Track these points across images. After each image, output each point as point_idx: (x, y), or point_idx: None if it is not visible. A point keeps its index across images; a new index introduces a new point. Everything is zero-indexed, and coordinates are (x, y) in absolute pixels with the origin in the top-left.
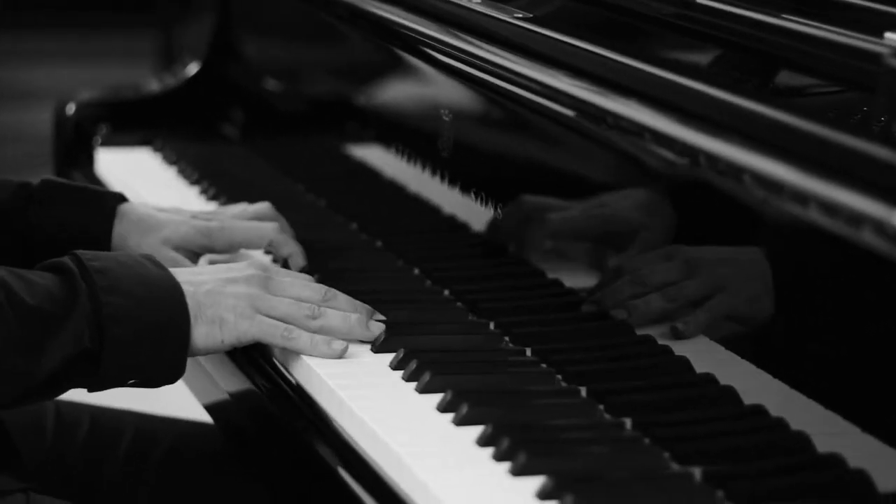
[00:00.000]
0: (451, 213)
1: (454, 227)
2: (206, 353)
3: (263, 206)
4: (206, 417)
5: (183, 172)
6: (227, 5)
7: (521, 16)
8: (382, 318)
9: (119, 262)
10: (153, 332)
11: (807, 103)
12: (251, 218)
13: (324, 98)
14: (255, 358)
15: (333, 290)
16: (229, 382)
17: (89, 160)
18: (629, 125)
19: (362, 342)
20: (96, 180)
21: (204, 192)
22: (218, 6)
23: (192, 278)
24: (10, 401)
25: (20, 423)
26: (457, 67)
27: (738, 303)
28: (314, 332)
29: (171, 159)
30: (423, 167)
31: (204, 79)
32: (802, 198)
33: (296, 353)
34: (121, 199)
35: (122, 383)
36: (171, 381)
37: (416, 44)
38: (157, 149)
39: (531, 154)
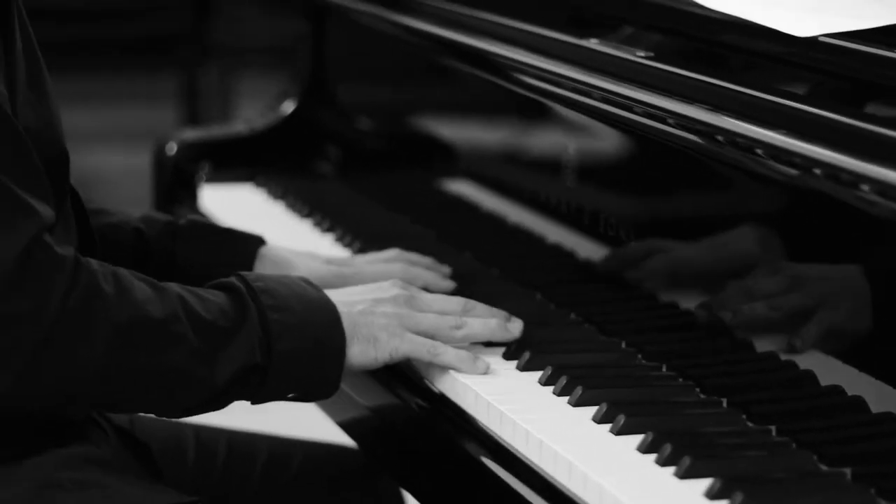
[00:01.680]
0: (556, 241)
1: (561, 254)
2: (360, 369)
3: (392, 253)
4: (338, 437)
5: (292, 206)
6: (320, 45)
7: (643, 54)
8: (519, 322)
9: (281, 282)
10: (314, 348)
11: None
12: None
13: (416, 134)
14: (399, 372)
15: (472, 301)
16: (369, 397)
17: (191, 198)
18: (744, 142)
19: (510, 360)
20: (201, 216)
21: (317, 224)
22: (311, 46)
23: (346, 299)
24: (195, 406)
25: (163, 447)
26: (576, 100)
27: (839, 318)
28: (458, 341)
29: (276, 194)
30: (521, 199)
31: (299, 118)
32: None
33: (443, 369)
34: (261, 241)
35: (282, 396)
36: (327, 395)
37: (529, 78)
38: (259, 184)
39: (639, 184)
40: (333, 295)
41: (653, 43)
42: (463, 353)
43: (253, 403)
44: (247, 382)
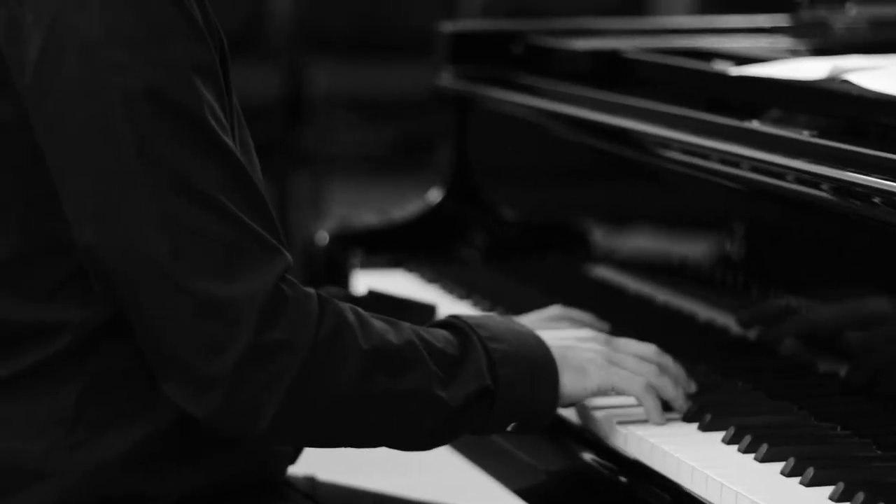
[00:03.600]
0: (708, 317)
1: (715, 329)
2: (570, 400)
3: (555, 310)
4: None
5: (448, 290)
6: (463, 136)
7: (808, 133)
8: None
9: (490, 318)
10: (531, 374)
11: None
12: None
13: (559, 220)
14: (579, 434)
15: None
16: (546, 461)
17: (343, 285)
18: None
19: (690, 423)
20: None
21: (476, 305)
22: (455, 137)
23: (550, 334)
24: (436, 430)
25: None
26: (744, 176)
27: None
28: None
29: (429, 278)
30: (664, 280)
31: (444, 207)
32: None
33: (621, 429)
34: (433, 310)
35: (504, 425)
36: (544, 422)
37: (699, 160)
38: (410, 270)
39: (791, 257)
40: (538, 331)
41: (806, 122)
42: (658, 402)
43: (479, 434)
44: (479, 406)
